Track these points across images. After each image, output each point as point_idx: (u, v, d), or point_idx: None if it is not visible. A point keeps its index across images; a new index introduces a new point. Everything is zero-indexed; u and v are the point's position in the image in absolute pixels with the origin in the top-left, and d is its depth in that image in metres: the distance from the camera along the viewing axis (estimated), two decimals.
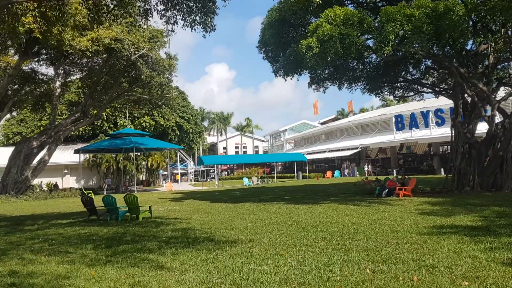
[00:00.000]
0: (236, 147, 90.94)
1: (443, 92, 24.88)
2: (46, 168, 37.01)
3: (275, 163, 54.24)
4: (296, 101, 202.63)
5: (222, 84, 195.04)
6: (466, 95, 22.91)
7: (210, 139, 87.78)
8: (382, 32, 15.42)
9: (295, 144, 79.93)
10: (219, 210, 15.81)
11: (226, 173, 77.49)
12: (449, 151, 51.28)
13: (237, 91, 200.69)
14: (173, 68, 34.02)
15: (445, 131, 41.14)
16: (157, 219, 13.57)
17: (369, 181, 25.49)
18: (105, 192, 38.27)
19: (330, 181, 39.43)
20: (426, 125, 43.00)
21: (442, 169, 41.28)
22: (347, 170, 51.20)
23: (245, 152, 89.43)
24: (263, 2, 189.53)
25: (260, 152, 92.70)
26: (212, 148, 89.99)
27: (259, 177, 46.08)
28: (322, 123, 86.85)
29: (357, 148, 49.07)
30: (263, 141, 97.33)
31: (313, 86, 26.97)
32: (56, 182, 46.00)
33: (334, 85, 27.79)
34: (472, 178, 19.86)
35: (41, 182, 44.39)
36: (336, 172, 48.38)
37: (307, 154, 57.01)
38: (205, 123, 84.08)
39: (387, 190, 19.49)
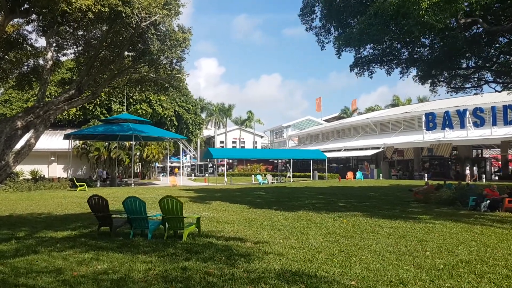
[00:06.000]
0: (234, 142, 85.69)
1: None
2: (31, 154, 31.61)
3: (290, 160, 48.35)
4: (282, 100, 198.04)
5: (209, 79, 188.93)
6: None
7: (205, 132, 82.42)
8: None
9: (299, 141, 75.02)
10: (284, 224, 10.85)
11: (224, 168, 72.12)
12: (481, 156, 47.12)
13: (224, 87, 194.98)
14: (187, 43, 28.62)
15: (484, 133, 36.72)
16: (211, 239, 8.52)
17: (432, 187, 20.76)
18: (98, 185, 33.05)
19: (355, 184, 34.52)
20: (462, 126, 38.34)
21: (484, 175, 36.75)
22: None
23: (243, 147, 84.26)
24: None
25: (259, 148, 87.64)
26: (208, 141, 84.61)
27: (273, 175, 41.11)
28: (326, 121, 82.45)
29: (378, 147, 44.37)
30: (262, 136, 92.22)
31: (356, 70, 22.38)
32: (104, 172, 40.73)
33: (382, 69, 23.18)
34: None
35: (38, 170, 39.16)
36: (358, 174, 43.56)
37: None
38: (203, 115, 78.72)
39: (488, 201, 14.67)
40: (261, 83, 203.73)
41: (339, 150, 50.70)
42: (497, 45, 21.51)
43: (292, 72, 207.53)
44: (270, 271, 5.92)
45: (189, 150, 57.15)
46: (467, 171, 36.83)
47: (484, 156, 49.75)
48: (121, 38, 27.80)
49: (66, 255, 7.16)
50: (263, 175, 38.82)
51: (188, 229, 8.61)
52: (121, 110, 48.43)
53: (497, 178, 41.04)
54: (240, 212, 13.58)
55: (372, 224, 10.72)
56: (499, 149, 45.85)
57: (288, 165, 63.76)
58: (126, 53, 29.06)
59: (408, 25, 12.06)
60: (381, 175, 43.67)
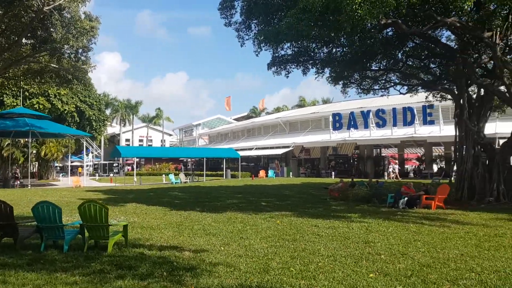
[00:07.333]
0: (141, 140, 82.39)
1: (442, 84, 21.48)
2: None
3: (205, 159, 47.11)
4: (188, 99, 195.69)
5: (111, 75, 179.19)
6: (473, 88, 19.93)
7: (110, 129, 78.20)
8: None
9: (210, 139, 74.19)
10: (216, 227, 10.05)
11: (129, 167, 68.71)
12: (380, 154, 49.95)
13: (127, 83, 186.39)
14: (95, 32, 26.45)
15: (385, 133, 39.01)
16: (142, 249, 7.44)
17: (345, 185, 21.23)
18: None
19: (268, 182, 34.56)
20: (366, 126, 40.35)
21: (386, 174, 39.03)
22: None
23: (150, 145, 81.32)
24: None
25: (167, 146, 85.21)
26: (113, 139, 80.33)
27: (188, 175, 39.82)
28: (236, 120, 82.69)
29: (288, 146, 45.20)
30: (170, 135, 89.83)
31: (273, 69, 22.51)
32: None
33: (298, 69, 23.53)
34: (496, 186, 16.39)
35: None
36: (270, 172, 43.92)
37: None
38: (107, 111, 74.52)
39: (405, 198, 15.18)
40: (167, 81, 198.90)
41: (250, 149, 50.82)
42: (405, 48, 22.63)
43: (199, 71, 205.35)
44: None
45: (93, 148, 53.61)
46: (390, 169, 39.55)
47: (382, 155, 53.03)
48: (19, 23, 24.84)
49: None
50: (174, 174, 37.42)
51: (114, 238, 7.44)
52: (15, 104, 44.05)
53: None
54: (163, 216, 12.50)
55: (308, 225, 10.36)
56: (396, 149, 49.11)
57: (185, 164, 62.41)
58: (24, 40, 26.14)
59: (340, 20, 11.89)
60: (291, 173, 44.56)
